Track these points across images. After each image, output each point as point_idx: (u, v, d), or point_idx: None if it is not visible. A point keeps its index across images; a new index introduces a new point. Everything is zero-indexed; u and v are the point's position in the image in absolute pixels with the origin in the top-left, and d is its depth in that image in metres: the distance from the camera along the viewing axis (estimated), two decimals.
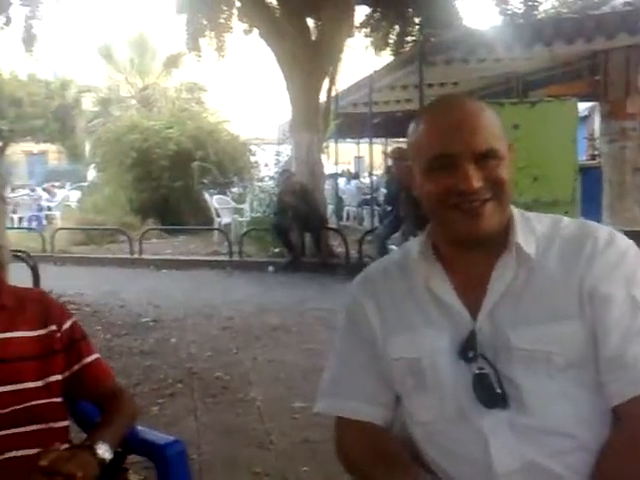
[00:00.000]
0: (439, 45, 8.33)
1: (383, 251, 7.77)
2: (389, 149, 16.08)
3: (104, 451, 1.47)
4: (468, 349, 1.16)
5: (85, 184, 18.60)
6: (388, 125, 13.03)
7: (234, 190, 13.52)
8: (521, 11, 8.86)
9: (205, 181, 13.15)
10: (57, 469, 1.35)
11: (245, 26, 10.39)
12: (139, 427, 1.72)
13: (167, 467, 1.62)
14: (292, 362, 4.69)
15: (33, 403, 1.54)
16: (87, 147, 21.36)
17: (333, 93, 9.90)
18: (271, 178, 12.94)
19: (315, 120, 9.16)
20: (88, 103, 23.98)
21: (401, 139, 17.34)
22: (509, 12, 9.01)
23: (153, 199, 13.02)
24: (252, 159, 14.54)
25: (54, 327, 1.64)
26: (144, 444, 1.68)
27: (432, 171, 1.16)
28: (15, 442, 1.49)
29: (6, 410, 1.49)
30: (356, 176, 17.12)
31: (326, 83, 9.49)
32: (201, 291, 7.62)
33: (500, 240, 1.18)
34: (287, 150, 11.80)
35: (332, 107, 10.17)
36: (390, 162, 8.89)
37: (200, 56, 10.31)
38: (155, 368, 4.58)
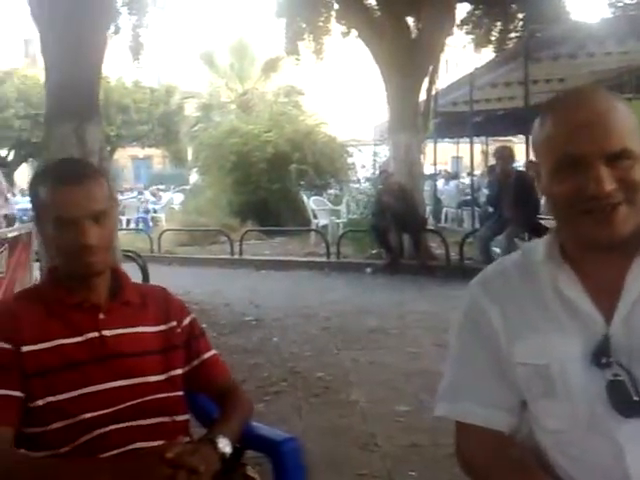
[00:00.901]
0: (545, 40, 8.04)
1: (486, 253, 7.57)
2: (490, 148, 15.69)
3: (224, 445, 1.48)
4: (601, 355, 1.10)
5: (187, 187, 19.28)
6: (489, 124, 12.71)
7: (331, 192, 13.60)
8: (634, 1, 8.41)
9: (302, 183, 13.29)
10: (182, 462, 1.37)
11: (343, 28, 10.42)
12: (254, 423, 1.73)
13: (283, 463, 1.63)
14: (393, 365, 4.64)
15: (157, 396, 1.57)
16: (189, 152, 22.10)
17: (433, 92, 9.74)
18: (367, 179, 12.93)
19: (414, 120, 9.06)
20: (190, 109, 24.84)
21: (502, 138, 16.91)
22: (620, 4, 8.57)
23: (252, 201, 13.30)
24: (349, 161, 14.57)
25: (174, 323, 1.68)
26: (260, 440, 1.69)
27: (560, 172, 1.09)
28: (140, 434, 1.52)
29: (132, 402, 1.53)
30: (455, 176, 16.78)
31: (425, 82, 9.36)
32: (300, 291, 7.69)
33: (635, 242, 1.10)
34: (384, 151, 11.74)
35: (431, 106, 10.01)
36: (494, 161, 8.64)
37: (299, 59, 10.44)
38: (259, 366, 4.66)
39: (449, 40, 10.47)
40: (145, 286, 1.74)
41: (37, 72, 24.45)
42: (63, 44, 5.25)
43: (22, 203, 16.75)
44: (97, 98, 5.66)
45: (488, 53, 11.56)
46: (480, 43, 10.90)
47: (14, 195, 17.99)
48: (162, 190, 20.49)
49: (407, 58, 8.72)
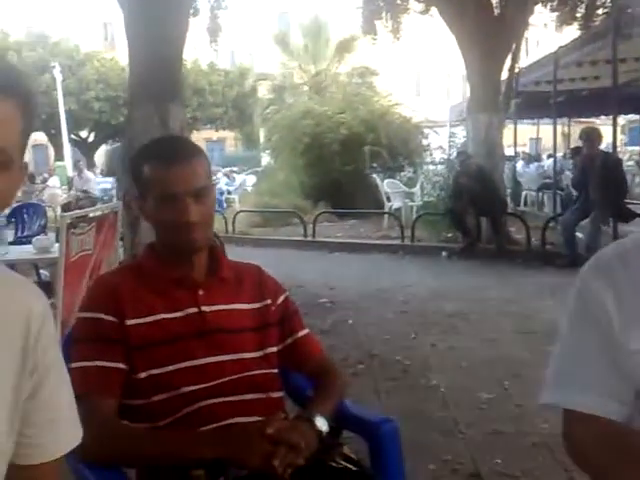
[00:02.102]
0: (636, 16, 7.61)
1: (570, 239, 7.31)
2: (572, 130, 15.12)
3: (322, 424, 1.48)
4: None
5: (260, 169, 19.47)
6: (572, 104, 12.20)
7: (404, 174, 13.42)
8: None
9: (375, 165, 13.17)
10: (282, 438, 1.37)
11: (421, 6, 10.20)
12: (348, 403, 1.71)
13: (381, 445, 1.60)
14: (473, 351, 4.54)
15: (252, 373, 1.58)
16: (262, 134, 22.29)
17: (515, 71, 9.42)
18: (441, 162, 12.67)
19: (495, 99, 8.79)
20: (263, 91, 25.00)
21: (584, 119, 16.28)
22: None
23: (324, 183, 13.27)
24: (424, 142, 14.33)
25: (269, 301, 1.68)
26: (356, 420, 1.67)
27: None
28: (236, 409, 1.53)
29: (229, 378, 1.54)
30: (537, 158, 16.24)
31: (507, 61, 9.07)
32: (374, 274, 7.65)
33: None
34: (461, 132, 11.48)
35: (513, 85, 9.69)
36: (577, 143, 8.30)
37: (375, 39, 10.30)
38: (336, 348, 4.65)
39: (530, 19, 10.10)
40: (240, 264, 1.74)
41: (116, 55, 25.15)
42: (146, 26, 5.33)
43: (102, 184, 17.36)
44: (179, 79, 5.73)
45: (570, 31, 11.09)
46: (565, 20, 10.45)
47: (95, 175, 18.65)
48: (235, 172, 20.76)
49: (489, 36, 8.46)
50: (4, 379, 0.93)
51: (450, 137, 11.53)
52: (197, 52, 19.91)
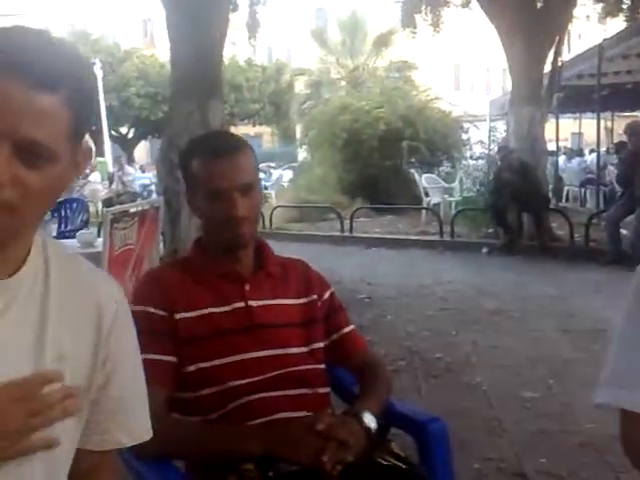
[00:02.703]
0: None
1: (615, 235, 7.14)
2: (616, 124, 14.77)
3: (370, 420, 1.47)
4: None
5: (296, 164, 19.50)
6: (616, 98, 11.91)
7: (442, 169, 13.28)
8: None
9: (413, 160, 13.06)
10: (332, 434, 1.36)
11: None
12: (395, 401, 1.70)
13: (430, 444, 1.58)
14: (516, 349, 4.48)
15: (299, 368, 1.57)
16: (298, 129, 22.30)
17: (558, 64, 9.22)
18: (480, 157, 12.51)
19: (538, 93, 8.63)
20: (300, 86, 25.01)
21: (628, 113, 15.86)
22: None
23: (362, 178, 13.23)
24: (464, 137, 14.14)
25: (315, 296, 1.67)
26: (404, 418, 1.66)
27: None
28: (284, 404, 1.53)
29: (276, 372, 1.54)
30: (580, 153, 15.90)
31: (550, 54, 8.89)
32: (413, 270, 7.59)
33: None
34: (501, 127, 11.32)
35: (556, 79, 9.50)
36: (621, 138, 8.09)
37: (415, 33, 10.22)
38: (375, 344, 4.62)
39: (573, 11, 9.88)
40: (286, 259, 1.74)
41: (155, 51, 25.44)
42: (188, 23, 5.38)
43: (142, 179, 17.59)
44: (219, 76, 5.77)
45: (614, 24, 10.82)
46: (610, 12, 10.20)
47: (135, 170, 18.91)
48: (272, 167, 20.82)
49: (532, 28, 8.31)
50: (78, 367, 0.94)
51: (490, 132, 11.34)
52: (235, 48, 19.99)
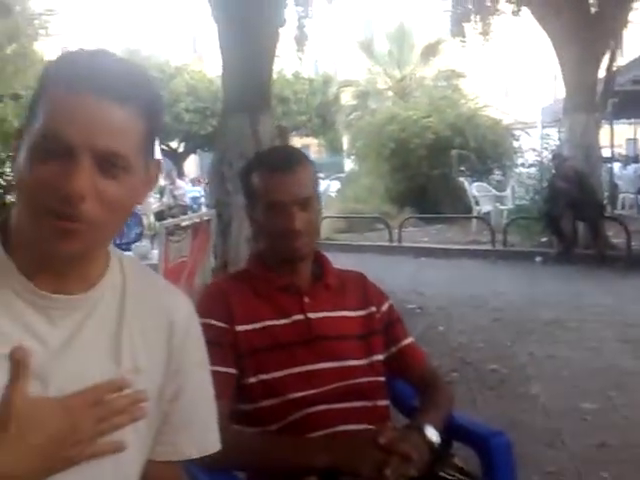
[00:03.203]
0: None
1: None
2: None
3: (432, 434, 1.45)
4: None
5: (343, 175, 19.51)
6: None
7: (493, 177, 13.08)
8: None
9: (463, 168, 12.91)
10: (395, 448, 1.35)
11: (512, 7, 9.94)
12: (457, 414, 1.68)
13: (494, 458, 1.56)
14: (574, 360, 4.38)
15: (359, 380, 1.57)
16: (345, 140, 22.30)
17: (613, 70, 9.01)
18: (532, 164, 12.25)
19: (592, 99, 8.45)
20: (346, 97, 25.05)
21: None
22: None
23: (410, 188, 13.15)
24: (515, 144, 13.92)
25: (374, 308, 1.67)
26: (466, 432, 1.64)
27: None
28: (344, 416, 1.53)
29: (336, 385, 1.54)
30: (635, 160, 15.46)
31: (604, 60, 8.69)
32: (464, 280, 7.50)
33: None
34: (553, 133, 11.10)
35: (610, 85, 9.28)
36: None
37: (464, 42, 10.13)
38: (427, 355, 4.58)
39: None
40: (344, 271, 1.74)
41: (204, 67, 25.89)
42: (240, 40, 5.45)
43: (192, 192, 17.88)
44: (269, 90, 5.83)
45: None
46: None
47: (186, 183, 19.24)
48: (320, 178, 20.83)
49: (586, 34, 8.13)
50: (151, 379, 0.97)
51: (543, 139, 11.13)
52: (282, 61, 20.20)
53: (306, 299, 1.59)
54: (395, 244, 10.18)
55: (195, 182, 21.64)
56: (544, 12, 8.57)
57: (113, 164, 0.84)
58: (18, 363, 0.83)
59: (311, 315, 1.58)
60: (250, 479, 1.55)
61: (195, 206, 15.86)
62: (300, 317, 1.58)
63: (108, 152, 0.83)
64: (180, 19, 32.62)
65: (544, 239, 8.87)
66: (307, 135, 29.53)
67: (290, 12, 10.30)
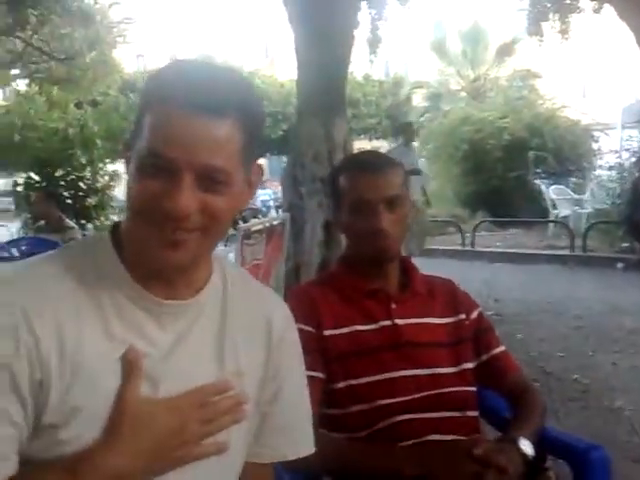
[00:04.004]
0: None
1: None
2: None
3: (527, 447, 1.41)
4: None
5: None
6: None
7: (572, 180, 12.65)
8: None
9: (539, 171, 12.53)
10: (490, 460, 1.32)
11: (593, 4, 9.60)
12: (550, 427, 1.63)
13: (590, 474, 1.50)
14: None
15: (449, 390, 1.54)
16: (415, 142, 22.06)
17: None
18: (612, 167, 11.79)
19: None
20: (418, 99, 24.81)
21: None
22: None
23: (483, 191, 12.87)
24: (594, 146, 13.43)
25: (463, 316, 1.64)
26: (560, 445, 1.58)
27: None
28: (433, 426, 1.51)
29: (425, 393, 1.52)
30: None
31: None
32: (542, 286, 7.28)
33: None
34: (634, 134, 10.66)
35: None
36: None
37: (542, 41, 9.85)
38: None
39: None
40: (432, 277, 1.72)
41: (276, 72, 26.21)
42: (316, 42, 5.48)
43: (262, 195, 18.11)
44: (344, 93, 5.85)
45: None
46: None
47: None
48: None
49: None
50: (252, 378, 0.99)
51: (626, 140, 10.68)
52: (353, 64, 20.21)
53: (393, 305, 1.58)
54: (468, 248, 10.00)
55: (263, 185, 21.91)
56: (627, 7, 8.23)
57: (214, 178, 0.85)
58: (131, 364, 0.86)
59: (399, 321, 1.57)
60: None
61: (264, 209, 16.06)
62: (387, 323, 1.57)
63: (208, 167, 0.84)
64: (253, 24, 33.14)
65: (625, 245, 8.52)
66: (377, 138, 29.42)
67: (363, 15, 10.28)
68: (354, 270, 1.61)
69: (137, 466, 0.85)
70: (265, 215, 13.08)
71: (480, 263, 9.19)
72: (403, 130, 8.83)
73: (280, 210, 13.41)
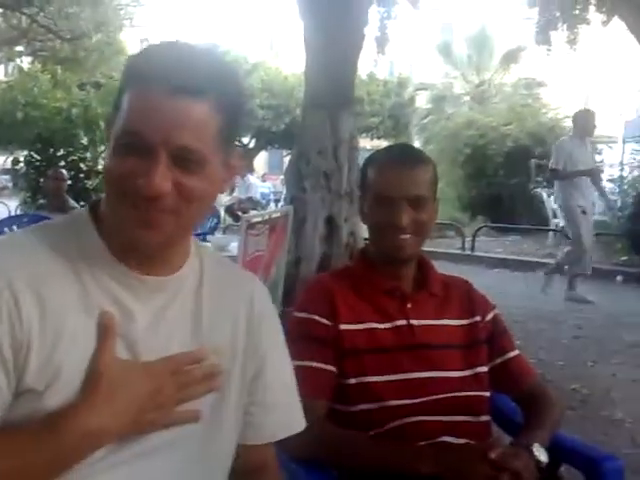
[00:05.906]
0: None
1: None
2: None
3: (541, 453, 1.39)
4: None
5: None
6: None
7: None
8: None
9: (540, 179, 12.54)
10: (505, 464, 1.29)
11: (602, 17, 9.60)
12: (563, 434, 1.59)
13: None
14: None
15: (462, 393, 1.52)
16: (416, 143, 22.08)
17: None
18: (613, 179, 11.78)
19: None
20: (421, 100, 24.81)
21: None
22: None
23: (484, 196, 12.87)
24: (597, 158, 13.44)
25: (478, 318, 1.62)
26: (574, 453, 1.55)
27: None
28: (445, 429, 1.48)
29: (438, 396, 1.50)
30: None
31: None
32: (541, 294, 7.24)
33: None
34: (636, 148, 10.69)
35: None
36: None
37: (550, 50, 9.85)
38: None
39: None
40: (449, 277, 1.69)
41: (280, 64, 26.13)
42: (326, 37, 5.44)
43: (262, 188, 18.07)
44: (352, 87, 5.80)
45: None
46: None
47: (258, 179, 19.48)
48: None
49: None
50: (235, 356, 1.02)
51: (631, 153, 10.68)
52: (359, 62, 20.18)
53: (409, 304, 1.56)
54: (467, 253, 9.97)
55: (263, 178, 21.92)
56: (638, 20, 8.23)
57: (187, 159, 0.86)
58: (105, 327, 0.89)
59: (414, 322, 1.55)
60: (342, 477, 1.49)
61: (264, 202, 16.04)
62: (403, 322, 1.54)
63: (181, 148, 0.85)
64: (259, 16, 33.11)
65: (625, 258, 8.50)
66: (378, 137, 29.41)
67: (372, 13, 10.23)
68: (372, 266, 1.58)
69: (114, 426, 0.87)
70: (264, 208, 13.06)
71: (479, 268, 9.14)
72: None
73: (279, 204, 13.40)
